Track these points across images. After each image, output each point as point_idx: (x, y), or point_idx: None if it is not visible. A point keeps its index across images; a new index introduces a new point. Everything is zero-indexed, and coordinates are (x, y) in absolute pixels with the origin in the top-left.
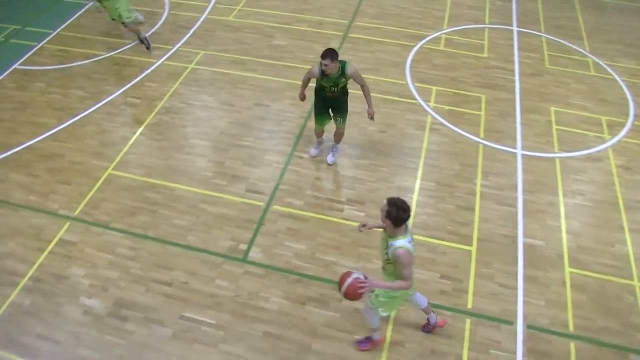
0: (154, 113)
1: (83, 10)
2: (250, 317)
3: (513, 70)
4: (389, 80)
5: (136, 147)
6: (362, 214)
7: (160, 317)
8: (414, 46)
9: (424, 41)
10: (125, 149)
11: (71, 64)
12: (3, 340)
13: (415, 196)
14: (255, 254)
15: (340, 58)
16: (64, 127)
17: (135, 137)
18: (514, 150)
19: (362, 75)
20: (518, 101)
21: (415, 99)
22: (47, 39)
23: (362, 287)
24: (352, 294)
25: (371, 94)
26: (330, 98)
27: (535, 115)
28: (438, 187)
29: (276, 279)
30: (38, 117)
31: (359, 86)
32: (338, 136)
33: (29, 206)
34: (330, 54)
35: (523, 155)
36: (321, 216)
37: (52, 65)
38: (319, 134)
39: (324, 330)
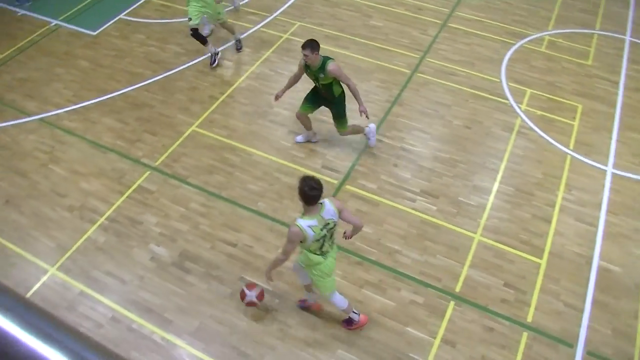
0: (243, 77)
1: None
2: None
3: (618, 83)
4: (483, 76)
5: (222, 108)
6: (434, 207)
7: (221, 275)
8: (513, 44)
9: (525, 40)
10: (211, 108)
11: (171, 20)
12: (76, 270)
13: (491, 198)
14: None
15: (427, 49)
16: (157, 80)
17: (222, 98)
18: (604, 167)
19: (352, 75)
20: (618, 116)
21: (507, 99)
22: None
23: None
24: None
25: (462, 87)
26: (320, 94)
27: (635, 134)
28: (516, 193)
29: (338, 257)
30: (135, 67)
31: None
32: (347, 134)
33: (115, 150)
34: (310, 44)
35: (614, 174)
36: (392, 203)
37: (154, 19)
38: (301, 117)
39: (377, 316)
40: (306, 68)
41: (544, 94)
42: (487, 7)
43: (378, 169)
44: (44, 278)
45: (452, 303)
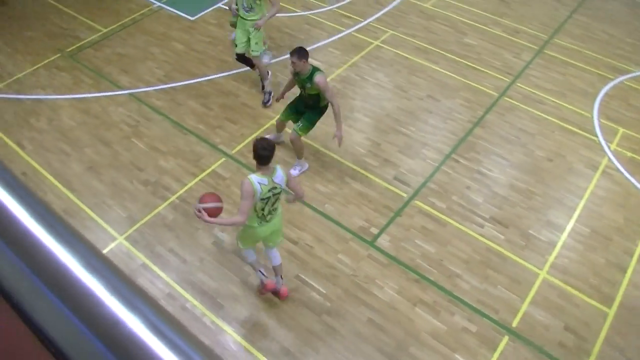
0: (329, 78)
1: None
2: (360, 299)
3: None
4: (573, 108)
5: None
6: (502, 236)
7: None
8: (612, 79)
9: (626, 77)
10: None
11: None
12: (142, 242)
13: (563, 236)
14: (383, 241)
15: (519, 73)
16: (245, 70)
17: None
18: None
19: (337, 93)
20: None
21: (596, 136)
22: None
23: (198, 216)
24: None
25: (549, 118)
26: (305, 103)
27: None
28: (592, 235)
29: (396, 272)
30: (225, 55)
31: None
32: (294, 145)
33: (196, 133)
34: (298, 52)
35: None
36: (459, 225)
37: None
38: (279, 126)
39: (427, 337)
40: (295, 75)
41: (639, 136)
42: (589, 38)
43: (450, 189)
44: (112, 245)
45: (506, 337)
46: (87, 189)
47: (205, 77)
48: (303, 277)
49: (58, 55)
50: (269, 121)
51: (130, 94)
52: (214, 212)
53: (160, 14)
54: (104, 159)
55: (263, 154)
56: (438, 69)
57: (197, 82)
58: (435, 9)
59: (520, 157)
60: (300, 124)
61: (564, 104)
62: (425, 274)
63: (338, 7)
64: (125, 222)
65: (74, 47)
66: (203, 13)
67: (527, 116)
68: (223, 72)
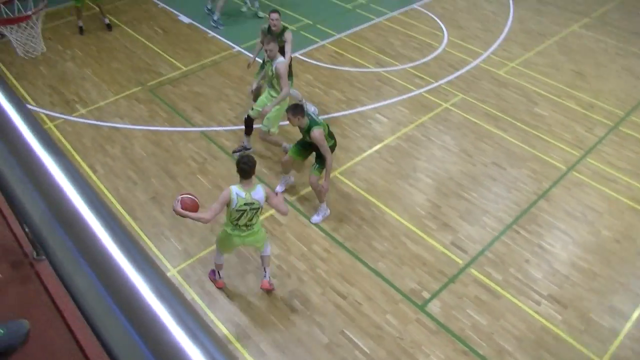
0: (394, 136)
1: (369, 24)
2: None
3: None
4: None
5: (367, 162)
6: (560, 317)
7: (324, 323)
8: None
9: None
10: (356, 159)
11: (340, 67)
12: (194, 277)
13: (628, 325)
14: (434, 307)
15: (590, 148)
16: None
17: (370, 152)
18: None
19: (327, 146)
20: None
21: None
22: (329, 39)
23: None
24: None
25: (619, 197)
26: (311, 144)
27: None
28: None
29: (444, 341)
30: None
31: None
32: (313, 188)
33: (259, 176)
34: (292, 109)
35: None
36: (515, 300)
37: (325, 63)
38: (285, 165)
39: None
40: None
41: None
42: None
43: (508, 260)
44: None
45: None
46: (149, 218)
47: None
48: (348, 333)
49: (139, 88)
50: (331, 172)
51: (202, 132)
52: (190, 205)
53: (239, 58)
54: (168, 191)
55: (243, 167)
56: (506, 136)
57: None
58: (508, 77)
59: (585, 236)
60: (316, 164)
61: (638, 185)
62: (474, 346)
63: (411, 67)
64: (180, 255)
65: (154, 81)
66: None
67: (596, 193)
68: None
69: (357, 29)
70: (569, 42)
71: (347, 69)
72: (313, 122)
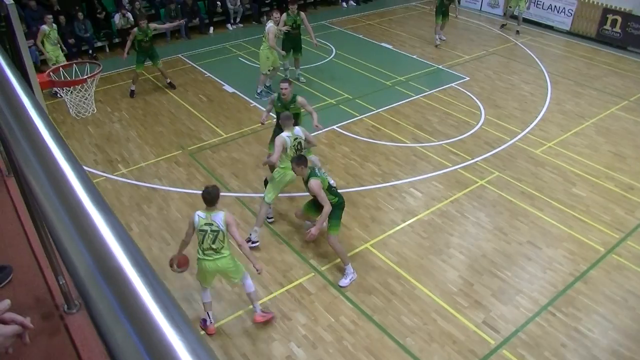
0: (428, 211)
1: (407, 101)
2: None
3: None
4: None
5: (400, 235)
6: None
7: None
8: None
9: None
10: (389, 232)
11: (377, 141)
12: (218, 342)
13: None
14: None
15: (631, 231)
16: (347, 192)
17: (403, 225)
18: None
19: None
20: None
21: None
22: (368, 114)
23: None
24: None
25: None
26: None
27: None
28: None
29: None
30: (331, 175)
31: None
32: (334, 249)
33: (291, 244)
34: (297, 159)
35: None
36: None
37: (362, 137)
38: (299, 217)
39: None
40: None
41: None
42: None
43: (543, 343)
44: None
45: None
46: (178, 279)
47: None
48: None
49: (180, 151)
50: (362, 244)
51: (237, 197)
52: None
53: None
54: None
55: (205, 196)
56: (542, 216)
57: (300, 195)
58: (545, 156)
59: (625, 321)
60: (328, 224)
61: None
62: None
63: (447, 143)
64: None
65: (195, 146)
66: (317, 133)
67: (638, 278)
68: None
69: (396, 104)
70: (607, 123)
71: (384, 142)
72: (312, 174)
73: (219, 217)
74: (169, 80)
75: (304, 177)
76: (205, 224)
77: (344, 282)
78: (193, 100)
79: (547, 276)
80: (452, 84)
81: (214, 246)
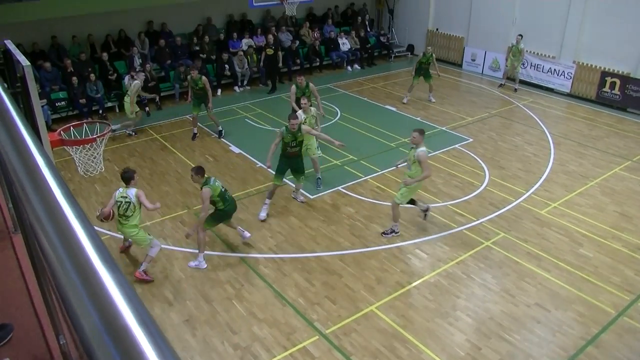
0: (434, 272)
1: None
2: None
3: None
4: None
5: (405, 297)
6: None
7: None
8: None
9: None
10: (395, 294)
11: (381, 202)
12: None
13: None
14: None
15: None
16: (353, 253)
17: (408, 287)
18: None
19: None
20: None
21: None
22: (372, 175)
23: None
24: None
25: None
26: None
27: None
28: None
29: None
30: (337, 236)
31: None
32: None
33: (294, 306)
34: (194, 169)
35: None
36: None
37: (367, 197)
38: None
39: None
40: None
41: None
42: None
43: None
44: None
45: None
46: (179, 340)
47: (314, 253)
48: None
49: (185, 211)
50: (367, 307)
51: (242, 258)
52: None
53: (284, 189)
54: (202, 315)
55: (123, 175)
56: (550, 277)
57: (305, 256)
58: (551, 217)
59: None
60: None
61: None
62: None
63: (452, 204)
64: None
65: (200, 206)
66: (322, 194)
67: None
68: (331, 251)
69: (394, 168)
70: (612, 183)
71: (388, 203)
72: (206, 183)
73: (132, 192)
74: (220, 128)
75: (200, 186)
76: (121, 197)
77: (191, 264)
78: (200, 160)
79: (557, 340)
80: (456, 146)
81: (125, 214)
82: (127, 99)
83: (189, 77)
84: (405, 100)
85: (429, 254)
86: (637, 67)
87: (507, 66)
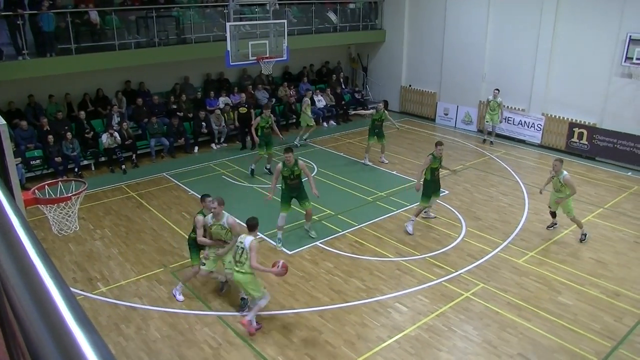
0: (415, 326)
1: (389, 215)
2: None
3: None
4: None
5: (387, 352)
6: None
7: None
8: None
9: None
10: (376, 349)
11: (360, 256)
12: None
13: None
14: None
15: (622, 339)
16: (332, 309)
17: (389, 342)
18: None
19: None
20: None
21: None
22: (350, 229)
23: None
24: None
25: None
26: None
27: None
28: None
29: None
30: (315, 291)
31: None
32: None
33: None
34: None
35: None
36: None
37: (345, 252)
38: None
39: None
40: None
41: None
42: None
43: None
44: None
45: None
46: None
47: (293, 309)
48: None
49: (161, 269)
50: None
51: (219, 316)
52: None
53: (262, 245)
54: None
55: (248, 222)
56: (531, 326)
57: (284, 313)
58: (528, 265)
59: None
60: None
61: None
62: None
63: (430, 256)
64: None
65: (177, 264)
66: (300, 249)
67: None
68: (310, 307)
69: (378, 219)
70: (586, 231)
71: (367, 258)
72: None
73: (248, 239)
74: (268, 166)
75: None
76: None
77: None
78: (176, 218)
79: None
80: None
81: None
82: None
83: (259, 117)
84: (366, 162)
85: (409, 307)
86: (602, 118)
87: (487, 121)
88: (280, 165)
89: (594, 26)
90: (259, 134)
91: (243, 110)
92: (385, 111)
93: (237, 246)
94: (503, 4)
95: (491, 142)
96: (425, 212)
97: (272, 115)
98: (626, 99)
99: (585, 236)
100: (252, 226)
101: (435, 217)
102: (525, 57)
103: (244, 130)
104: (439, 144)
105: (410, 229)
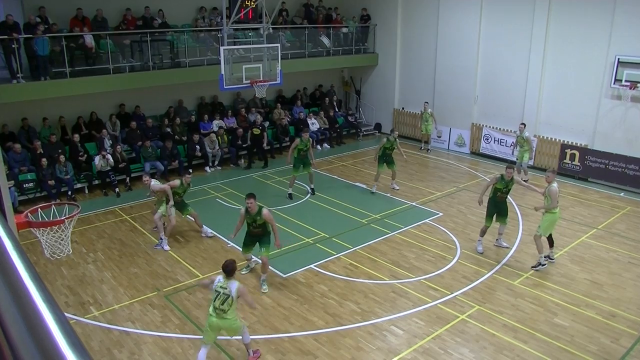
0: (411, 349)
1: (383, 238)
2: None
3: None
4: None
5: None
6: None
7: None
8: None
9: None
10: None
11: (355, 279)
12: None
13: None
14: None
15: None
16: (327, 332)
17: None
18: None
19: None
20: None
21: None
22: (345, 252)
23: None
24: None
25: None
26: None
27: None
28: None
29: None
30: (310, 315)
31: None
32: None
33: None
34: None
35: None
36: None
37: (340, 275)
38: None
39: None
40: None
41: None
42: None
43: None
44: None
45: None
46: None
47: (287, 333)
48: None
49: (155, 293)
50: None
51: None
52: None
53: (255, 268)
54: None
55: (225, 267)
56: (527, 348)
57: (278, 337)
58: (524, 287)
59: None
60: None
61: None
62: None
63: (425, 279)
64: None
65: (170, 287)
66: (295, 272)
67: None
68: (305, 331)
69: (372, 242)
70: (580, 252)
71: (362, 280)
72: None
73: (234, 285)
74: (312, 186)
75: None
76: (221, 287)
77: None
78: (170, 241)
79: None
80: (426, 220)
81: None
82: None
83: (298, 139)
84: (373, 190)
85: (404, 330)
86: (593, 140)
87: (517, 159)
88: (243, 210)
89: (583, 49)
90: (296, 155)
91: (256, 131)
92: (397, 140)
93: (218, 292)
94: (494, 27)
95: (526, 180)
96: (497, 240)
97: (310, 139)
98: (616, 120)
99: (540, 265)
100: (230, 271)
101: (508, 247)
102: (516, 79)
103: (253, 150)
104: (509, 167)
105: (480, 248)
